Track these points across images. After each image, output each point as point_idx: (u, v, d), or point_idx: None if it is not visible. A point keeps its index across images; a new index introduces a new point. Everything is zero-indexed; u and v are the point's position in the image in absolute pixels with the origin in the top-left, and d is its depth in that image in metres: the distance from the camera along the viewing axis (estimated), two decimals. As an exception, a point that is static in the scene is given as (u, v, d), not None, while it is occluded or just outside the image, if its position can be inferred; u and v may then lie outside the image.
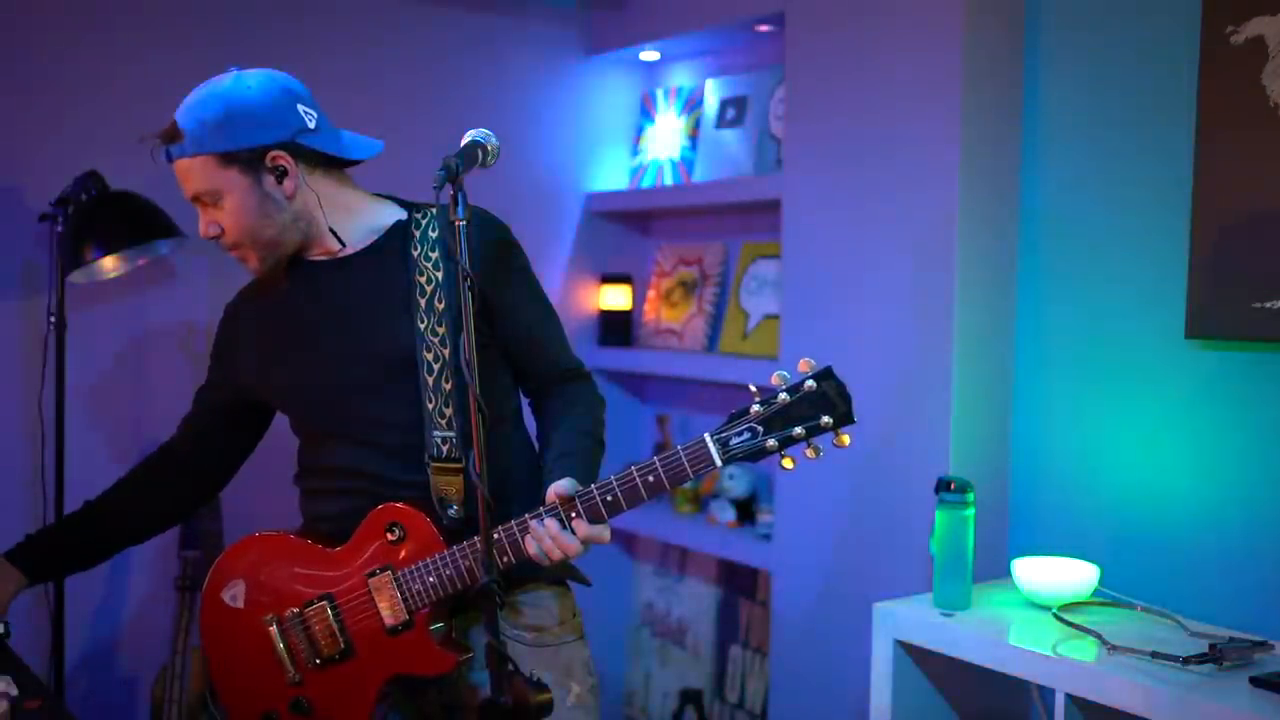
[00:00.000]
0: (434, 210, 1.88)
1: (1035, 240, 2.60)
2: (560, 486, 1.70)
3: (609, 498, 1.68)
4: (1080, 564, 2.32)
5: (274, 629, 1.85)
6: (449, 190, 1.63)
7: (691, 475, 1.65)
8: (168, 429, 2.12)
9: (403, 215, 1.91)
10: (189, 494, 2.11)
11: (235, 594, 1.90)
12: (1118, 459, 2.44)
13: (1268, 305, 2.16)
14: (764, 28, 3.15)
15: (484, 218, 1.87)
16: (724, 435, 1.63)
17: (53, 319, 2.67)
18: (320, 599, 1.83)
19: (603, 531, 1.70)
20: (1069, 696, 2.00)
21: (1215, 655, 1.94)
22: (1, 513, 2.74)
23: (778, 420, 1.61)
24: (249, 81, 1.80)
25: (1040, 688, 2.40)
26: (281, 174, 1.80)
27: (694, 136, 3.44)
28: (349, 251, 1.89)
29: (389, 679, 1.82)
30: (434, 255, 1.84)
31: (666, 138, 3.54)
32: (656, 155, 3.56)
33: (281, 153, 1.79)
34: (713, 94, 3.40)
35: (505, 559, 1.73)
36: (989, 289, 2.59)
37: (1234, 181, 2.21)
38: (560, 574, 1.93)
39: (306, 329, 1.90)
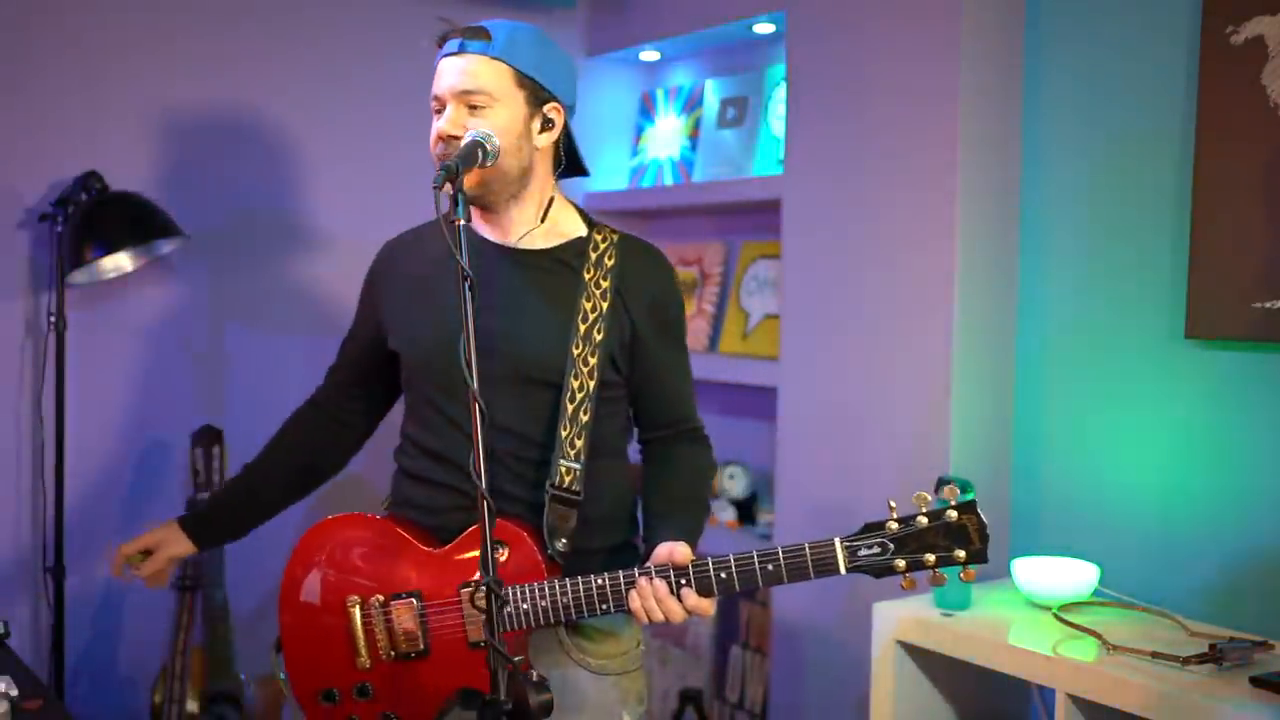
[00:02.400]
0: (615, 236, 1.88)
1: (1035, 240, 2.60)
2: (677, 552, 1.69)
3: (723, 575, 1.66)
4: (1080, 564, 2.32)
5: (356, 610, 1.82)
6: (449, 190, 1.63)
7: (813, 575, 1.64)
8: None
9: (584, 231, 1.89)
10: (332, 445, 2.08)
11: (323, 564, 1.87)
12: (1118, 459, 2.44)
13: (1268, 305, 2.16)
14: (764, 28, 3.15)
15: (659, 256, 1.90)
16: (854, 544, 1.63)
17: (53, 319, 2.67)
18: (409, 595, 1.80)
19: (710, 606, 1.68)
20: (1069, 696, 2.00)
21: (1215, 655, 1.94)
22: (1, 513, 2.74)
23: (911, 541, 1.62)
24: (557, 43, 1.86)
25: (1040, 688, 2.40)
26: (547, 126, 1.83)
27: (694, 136, 3.44)
28: (524, 245, 1.87)
29: (459, 688, 1.79)
30: (604, 284, 1.83)
31: (666, 138, 3.54)
32: (656, 155, 3.56)
33: (560, 109, 1.83)
34: (713, 94, 3.40)
35: (605, 606, 1.71)
36: (989, 289, 2.59)
37: (1234, 181, 2.21)
38: None
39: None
